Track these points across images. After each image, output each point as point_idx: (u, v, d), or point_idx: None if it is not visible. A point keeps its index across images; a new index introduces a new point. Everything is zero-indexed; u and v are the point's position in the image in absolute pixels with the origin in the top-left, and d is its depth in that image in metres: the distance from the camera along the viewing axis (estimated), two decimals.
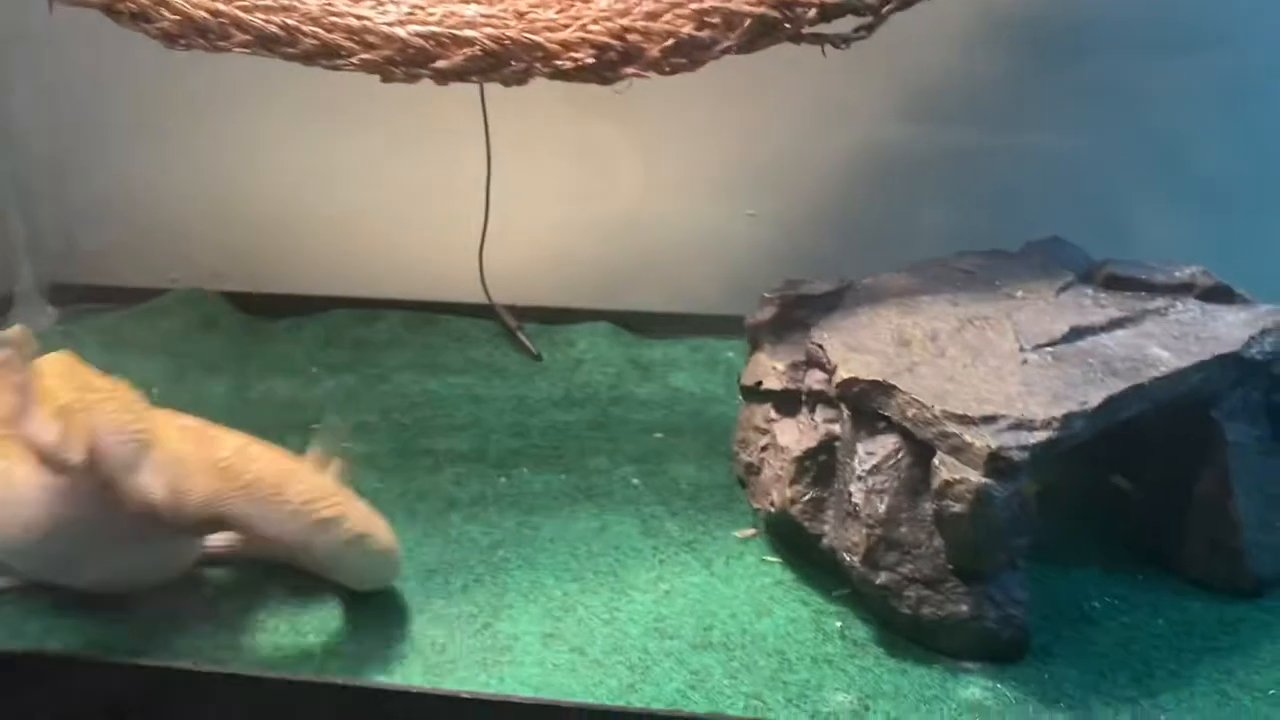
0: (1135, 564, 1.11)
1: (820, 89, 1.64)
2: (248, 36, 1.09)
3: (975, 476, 0.92)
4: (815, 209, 1.72)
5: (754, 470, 1.14)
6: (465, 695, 0.89)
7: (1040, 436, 0.93)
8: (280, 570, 1.09)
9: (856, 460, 1.01)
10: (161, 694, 0.92)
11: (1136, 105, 1.59)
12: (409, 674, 0.96)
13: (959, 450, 0.93)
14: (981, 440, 0.92)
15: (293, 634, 1.02)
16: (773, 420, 1.12)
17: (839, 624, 1.03)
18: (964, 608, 0.96)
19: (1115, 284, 1.18)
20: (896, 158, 1.69)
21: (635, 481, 1.28)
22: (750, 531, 1.17)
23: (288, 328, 1.67)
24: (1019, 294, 1.17)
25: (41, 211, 1.80)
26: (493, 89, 1.54)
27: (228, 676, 0.93)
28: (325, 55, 1.09)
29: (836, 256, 1.55)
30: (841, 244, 1.69)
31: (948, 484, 0.93)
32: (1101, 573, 1.10)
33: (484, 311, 1.69)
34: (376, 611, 1.05)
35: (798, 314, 1.18)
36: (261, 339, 1.64)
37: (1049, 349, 1.05)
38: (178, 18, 1.09)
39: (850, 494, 1.00)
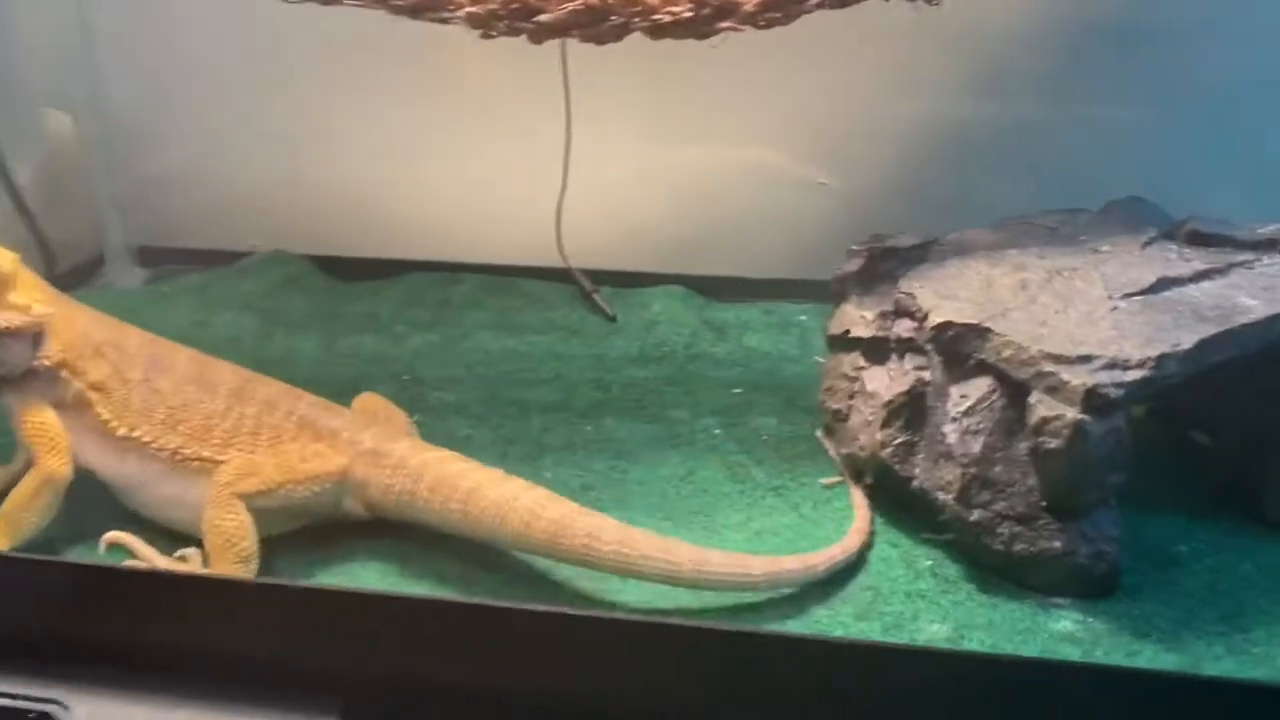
0: (1220, 513, 1.12)
1: (893, 58, 1.67)
2: None
3: (1072, 413, 0.94)
4: (886, 178, 1.74)
5: (841, 417, 1.17)
6: (573, 613, 0.92)
7: (1135, 375, 0.95)
8: None
9: (950, 403, 1.03)
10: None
11: (1202, 79, 1.60)
12: (515, 598, 1.00)
13: (1055, 389, 0.96)
14: (1078, 378, 0.95)
15: (401, 560, 1.06)
16: (861, 368, 1.15)
17: (929, 563, 1.06)
18: (1057, 544, 0.98)
19: (1198, 240, 1.20)
20: (967, 128, 1.70)
21: (717, 432, 1.31)
22: (836, 479, 1.19)
23: (369, 290, 1.71)
24: (1104, 248, 1.19)
25: (129, 176, 1.86)
26: (573, 54, 1.59)
27: (367, 598, 0.96)
28: (432, 8, 1.13)
29: (906, 226, 1.57)
30: (911, 213, 1.69)
31: (1044, 421, 0.95)
32: (1186, 520, 1.12)
33: (559, 276, 1.73)
34: (480, 544, 1.09)
35: (884, 266, 1.20)
36: (345, 299, 1.68)
37: (1138, 297, 1.07)
38: None
39: (944, 435, 1.03)
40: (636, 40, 1.55)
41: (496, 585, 1.03)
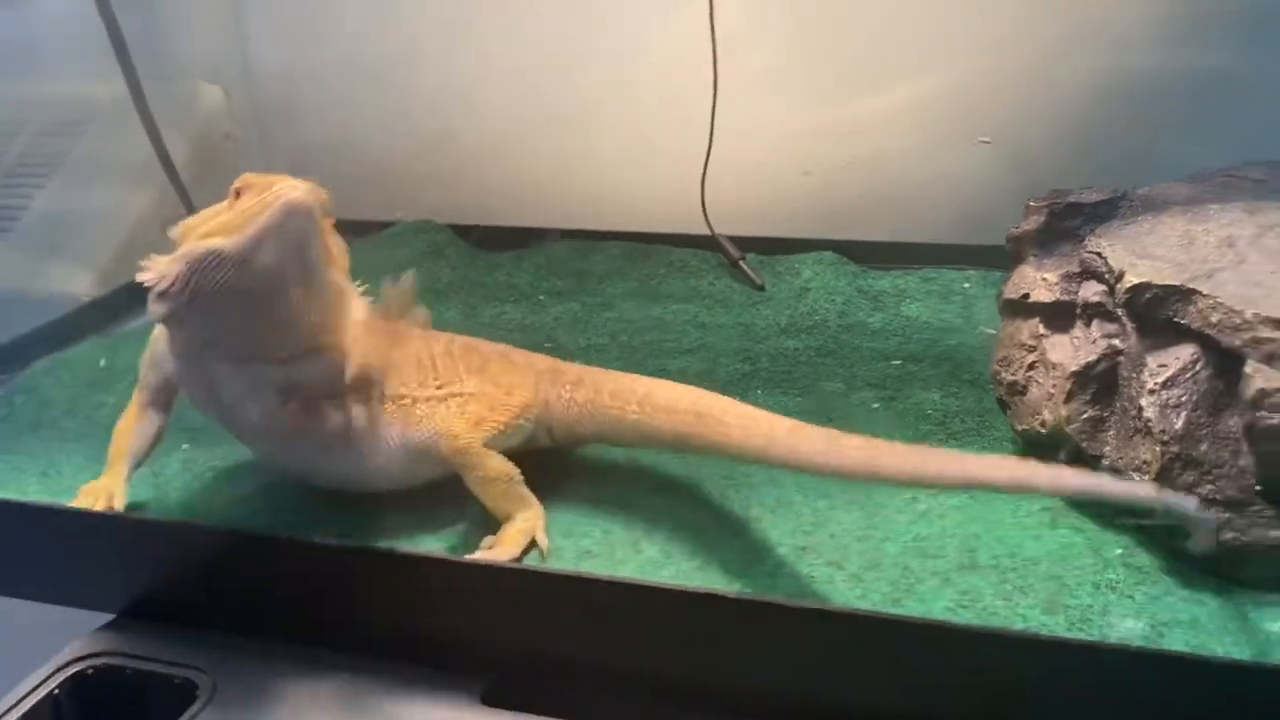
0: None
1: (1064, 6, 1.54)
2: None
3: None
4: (1054, 137, 1.61)
5: (1018, 390, 1.07)
6: (730, 595, 0.86)
7: None
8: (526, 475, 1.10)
9: (1147, 373, 0.92)
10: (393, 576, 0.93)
11: None
12: (661, 578, 0.94)
13: (1276, 356, 0.84)
14: None
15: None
16: (1042, 336, 1.05)
17: (1119, 551, 0.95)
18: (1274, 533, 0.87)
19: None
20: (1144, 82, 1.56)
21: (876, 406, 1.22)
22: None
23: (511, 258, 1.68)
24: None
25: (278, 148, 1.88)
26: (719, 13, 1.52)
27: (490, 570, 0.93)
28: None
29: (1075, 186, 1.45)
30: (1081, 174, 1.57)
31: (1263, 393, 0.84)
32: None
33: (702, 243, 1.66)
34: (624, 516, 1.03)
35: (1067, 224, 1.09)
36: (487, 268, 1.66)
37: None
38: None
39: (1140, 409, 0.92)
40: None
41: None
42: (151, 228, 1.72)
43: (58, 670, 0.93)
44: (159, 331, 1.04)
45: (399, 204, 1.84)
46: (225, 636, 0.95)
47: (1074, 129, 1.60)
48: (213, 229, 0.93)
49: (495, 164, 1.80)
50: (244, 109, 1.86)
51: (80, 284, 1.63)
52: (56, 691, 0.92)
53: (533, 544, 0.99)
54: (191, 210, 1.70)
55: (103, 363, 1.39)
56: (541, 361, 1.11)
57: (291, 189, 0.91)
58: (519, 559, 0.97)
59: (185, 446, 1.18)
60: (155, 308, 0.95)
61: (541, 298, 1.56)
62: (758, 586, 0.92)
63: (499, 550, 0.98)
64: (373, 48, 1.81)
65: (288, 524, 1.04)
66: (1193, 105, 1.53)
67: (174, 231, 0.98)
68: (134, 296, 1.58)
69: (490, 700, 0.89)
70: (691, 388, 1.02)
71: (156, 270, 0.95)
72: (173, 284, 0.93)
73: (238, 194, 0.94)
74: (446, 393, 1.04)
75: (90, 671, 0.94)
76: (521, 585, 0.89)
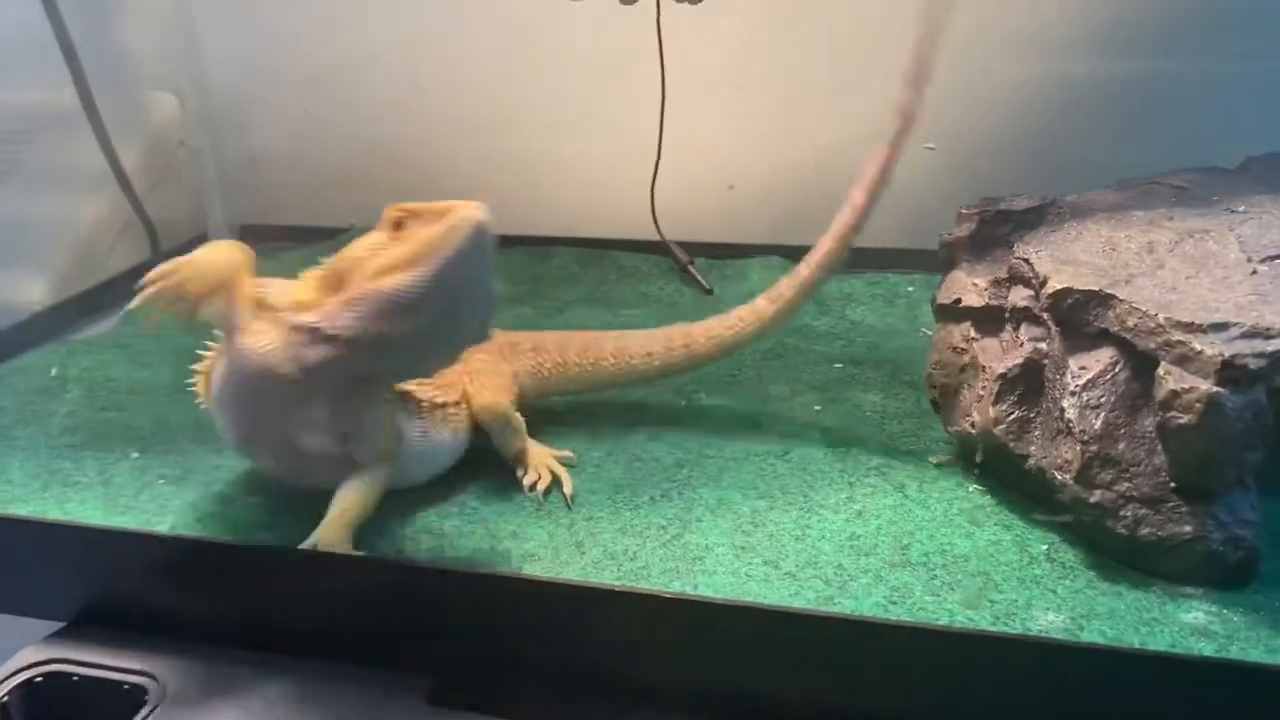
0: None
1: (1002, 18, 1.58)
2: None
3: (1205, 385, 0.86)
4: (996, 143, 1.65)
5: (951, 392, 1.10)
6: (667, 595, 0.88)
7: (1278, 345, 0.87)
8: (474, 480, 1.12)
9: (1069, 375, 0.96)
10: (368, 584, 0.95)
11: None
12: (604, 579, 0.97)
13: (1187, 359, 0.88)
14: (1213, 348, 0.86)
15: (488, 538, 1.04)
16: (972, 339, 1.08)
17: (1045, 547, 0.99)
18: (1187, 528, 0.90)
19: None
20: (1081, 89, 1.60)
21: (817, 408, 1.25)
22: (945, 458, 1.13)
23: None
24: (1240, 208, 1.09)
25: (231, 156, 1.89)
26: (668, 22, 1.55)
27: (439, 572, 0.95)
28: None
29: (1018, 191, 1.49)
30: (1023, 178, 1.61)
31: (1174, 394, 0.87)
32: None
33: (654, 248, 1.69)
34: (566, 518, 1.06)
35: (998, 231, 1.13)
36: None
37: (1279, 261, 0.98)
38: None
39: (1063, 410, 0.95)
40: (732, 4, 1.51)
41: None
42: (105, 236, 1.72)
43: (7, 678, 0.94)
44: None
45: (352, 210, 1.85)
46: (175, 642, 0.96)
47: (1016, 135, 1.65)
48: (388, 263, 0.88)
49: (448, 171, 1.81)
50: (197, 117, 1.86)
51: (32, 292, 1.63)
52: (5, 699, 0.93)
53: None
54: (145, 218, 1.71)
55: (54, 371, 1.39)
56: (496, 334, 1.15)
57: (473, 210, 0.87)
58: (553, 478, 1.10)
59: (135, 455, 1.19)
60: (310, 352, 0.92)
61: None
62: (697, 586, 0.95)
63: (532, 477, 1.10)
64: (326, 57, 1.82)
65: (240, 529, 1.06)
66: (1128, 111, 1.58)
67: (312, 272, 0.96)
68: (86, 305, 1.61)
69: (435, 700, 0.91)
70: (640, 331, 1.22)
71: (321, 316, 0.91)
72: (347, 328, 0.90)
73: (398, 224, 0.90)
74: (460, 393, 1.13)
75: (39, 679, 0.95)
76: (470, 588, 0.91)
